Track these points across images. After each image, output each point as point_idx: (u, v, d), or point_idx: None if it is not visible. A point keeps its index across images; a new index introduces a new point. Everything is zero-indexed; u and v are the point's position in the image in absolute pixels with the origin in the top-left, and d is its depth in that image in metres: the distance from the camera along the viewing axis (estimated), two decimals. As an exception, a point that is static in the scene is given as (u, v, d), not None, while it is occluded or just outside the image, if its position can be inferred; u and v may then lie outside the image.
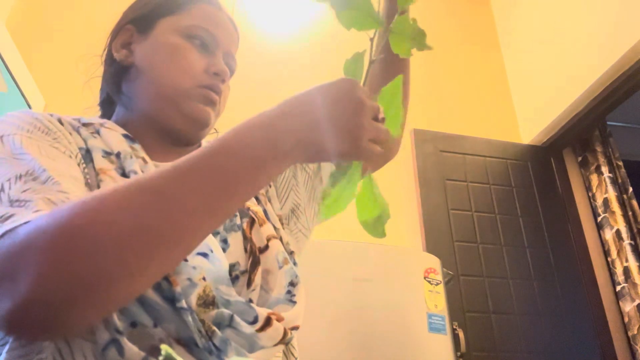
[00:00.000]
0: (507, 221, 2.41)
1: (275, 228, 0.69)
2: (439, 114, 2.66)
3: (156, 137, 0.69)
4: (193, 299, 0.51)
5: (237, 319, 0.52)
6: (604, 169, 2.57)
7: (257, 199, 0.73)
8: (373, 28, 0.57)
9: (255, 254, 0.62)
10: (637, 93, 2.32)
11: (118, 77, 0.73)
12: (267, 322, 0.55)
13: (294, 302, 0.61)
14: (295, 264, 0.67)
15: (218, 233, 0.61)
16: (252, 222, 0.66)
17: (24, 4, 2.29)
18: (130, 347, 0.46)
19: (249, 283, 0.59)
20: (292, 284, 0.63)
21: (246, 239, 0.63)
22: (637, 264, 2.35)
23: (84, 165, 0.56)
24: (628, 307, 2.31)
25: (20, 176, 0.48)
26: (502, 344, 2.13)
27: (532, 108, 2.74)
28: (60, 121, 0.60)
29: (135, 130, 0.68)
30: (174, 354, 0.32)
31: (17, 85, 1.76)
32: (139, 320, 0.49)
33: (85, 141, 0.59)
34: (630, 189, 2.60)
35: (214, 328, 0.50)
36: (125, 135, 0.64)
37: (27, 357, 0.46)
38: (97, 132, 0.62)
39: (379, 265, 1.72)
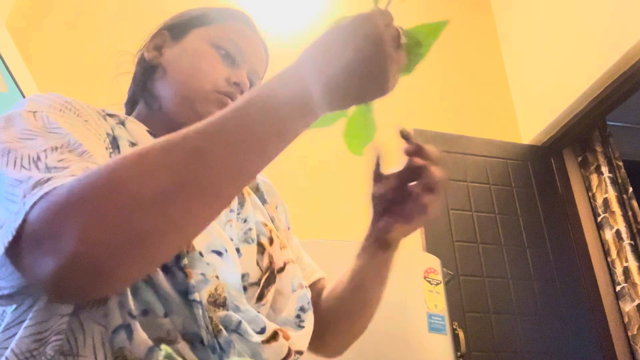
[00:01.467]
0: (507, 221, 2.41)
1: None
2: (439, 114, 2.66)
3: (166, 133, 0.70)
4: (204, 295, 0.51)
5: (244, 325, 0.52)
6: (604, 169, 2.57)
7: (273, 222, 0.74)
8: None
9: (273, 271, 0.63)
10: (637, 93, 2.32)
11: (145, 75, 0.76)
12: (274, 335, 0.55)
13: (302, 327, 0.62)
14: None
15: (232, 240, 0.61)
16: (271, 241, 0.67)
17: (24, 4, 2.29)
18: (140, 333, 0.47)
19: (260, 297, 0.60)
20: (303, 309, 0.63)
21: (262, 253, 0.64)
22: (637, 264, 2.35)
23: (111, 150, 0.57)
24: (628, 307, 2.31)
25: (56, 148, 0.49)
26: (502, 344, 2.13)
27: (532, 108, 2.74)
28: (88, 107, 0.61)
29: (154, 128, 0.68)
30: (174, 354, 0.32)
31: (17, 85, 1.76)
32: (151, 308, 0.49)
33: (112, 129, 0.60)
34: (630, 189, 2.60)
35: (221, 327, 0.51)
36: (148, 132, 0.65)
37: (43, 334, 0.46)
38: (122, 124, 0.63)
39: (379, 265, 1.71)
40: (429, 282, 1.74)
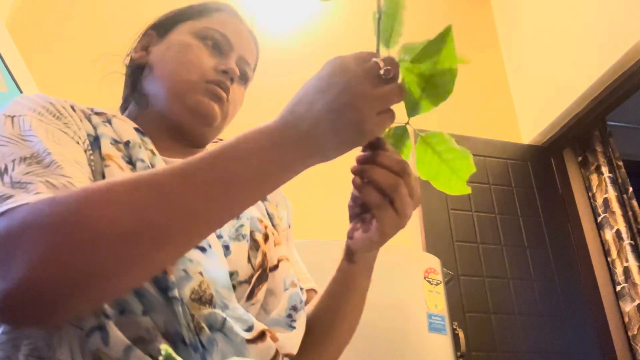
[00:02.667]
0: (507, 221, 2.41)
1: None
2: (439, 114, 2.65)
3: (164, 135, 0.69)
4: (186, 292, 0.50)
5: (230, 323, 0.51)
6: (604, 169, 2.57)
7: (271, 220, 0.72)
8: None
9: (265, 269, 0.61)
10: (637, 93, 2.32)
11: (134, 76, 0.75)
12: (261, 335, 0.53)
13: (293, 327, 0.59)
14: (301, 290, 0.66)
15: (221, 237, 0.60)
16: (266, 238, 0.65)
17: (24, 4, 2.29)
18: (116, 334, 0.46)
19: (250, 296, 0.58)
20: (295, 308, 0.61)
21: (255, 249, 0.62)
22: (637, 264, 2.35)
23: (91, 152, 0.56)
24: (628, 307, 2.30)
25: (25, 158, 0.48)
26: (502, 344, 2.13)
27: (532, 108, 2.74)
28: (72, 107, 0.61)
29: (144, 126, 0.68)
30: (174, 354, 0.32)
31: (17, 85, 1.76)
32: (129, 307, 0.48)
33: (95, 128, 0.60)
34: (630, 189, 2.59)
35: (203, 325, 0.49)
36: (135, 129, 0.64)
37: (16, 341, 0.46)
38: (109, 122, 0.63)
39: (379, 265, 1.71)
40: (429, 282, 1.74)
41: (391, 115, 0.48)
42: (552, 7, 2.65)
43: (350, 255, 0.60)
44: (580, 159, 2.72)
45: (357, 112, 0.45)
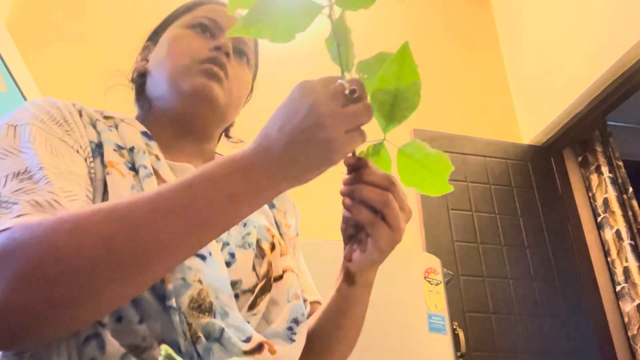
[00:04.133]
0: (507, 221, 2.41)
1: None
2: (439, 114, 2.66)
3: (171, 134, 0.69)
4: (185, 300, 0.50)
5: (227, 334, 0.51)
6: (604, 169, 2.57)
7: (278, 228, 0.71)
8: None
9: (270, 279, 0.60)
10: (637, 93, 2.32)
11: (138, 84, 0.76)
12: (259, 347, 0.52)
13: (293, 340, 0.58)
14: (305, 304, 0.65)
15: (228, 244, 0.60)
16: (273, 247, 0.64)
17: (24, 4, 2.29)
18: (112, 342, 0.46)
19: (252, 306, 0.57)
20: (296, 321, 0.60)
21: (261, 258, 0.62)
22: (637, 264, 2.35)
23: (92, 159, 0.56)
24: (628, 307, 2.30)
25: (18, 174, 0.49)
26: (502, 344, 2.13)
27: (532, 108, 2.74)
28: (80, 112, 0.61)
29: (151, 128, 0.67)
30: (174, 354, 0.32)
31: (17, 85, 1.76)
32: (125, 315, 0.48)
33: (99, 134, 0.60)
34: (630, 189, 2.60)
35: (200, 334, 0.49)
36: (143, 133, 0.64)
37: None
38: (116, 127, 0.63)
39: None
40: (429, 282, 1.74)
41: (361, 133, 0.48)
42: (553, 7, 2.65)
43: (350, 277, 0.59)
44: (580, 159, 2.72)
45: (326, 130, 0.45)
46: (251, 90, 0.82)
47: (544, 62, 2.67)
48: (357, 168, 0.52)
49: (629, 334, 2.28)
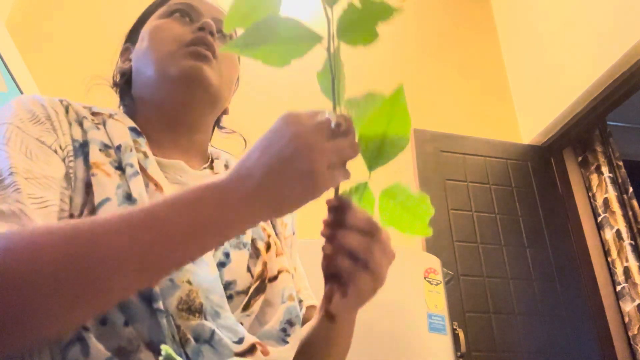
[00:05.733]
0: (507, 221, 2.41)
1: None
2: (439, 114, 2.66)
3: (161, 128, 0.67)
4: (173, 302, 0.49)
5: (218, 335, 0.49)
6: (604, 169, 2.57)
7: (274, 228, 0.70)
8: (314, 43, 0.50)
9: (264, 280, 0.59)
10: (637, 93, 2.32)
11: (123, 86, 0.74)
12: (251, 349, 0.51)
13: (286, 342, 0.57)
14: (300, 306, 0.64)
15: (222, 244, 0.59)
16: (268, 247, 0.63)
17: (24, 4, 2.29)
18: (96, 346, 0.45)
19: (246, 307, 0.56)
20: (290, 322, 0.59)
21: (255, 258, 0.60)
22: (637, 264, 2.35)
23: (72, 159, 0.55)
24: (628, 307, 2.30)
25: None
26: (502, 344, 2.13)
27: (532, 108, 2.74)
28: (67, 109, 0.60)
29: (140, 124, 0.66)
30: (174, 354, 0.32)
31: (17, 85, 1.76)
32: (110, 318, 0.47)
33: (85, 133, 0.58)
34: (630, 189, 2.60)
35: (189, 336, 0.48)
36: (132, 129, 0.63)
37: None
38: (103, 124, 0.61)
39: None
40: (429, 282, 1.74)
41: (344, 172, 0.46)
42: (553, 7, 2.65)
43: (330, 317, 0.54)
44: (580, 159, 2.72)
45: (307, 162, 0.43)
46: (237, 79, 0.79)
47: (544, 62, 2.67)
48: (339, 209, 0.49)
49: (629, 334, 2.28)
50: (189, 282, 0.51)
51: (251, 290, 0.57)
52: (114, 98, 0.78)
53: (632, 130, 3.37)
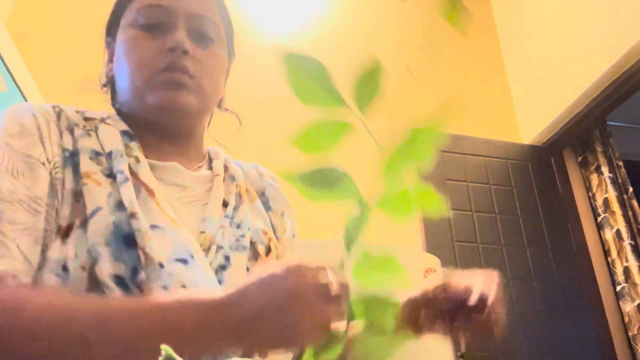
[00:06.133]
0: (507, 221, 2.41)
1: None
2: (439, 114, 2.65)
3: (152, 134, 0.67)
4: None
5: None
6: (604, 169, 2.57)
7: (274, 232, 0.70)
8: (333, 105, 0.48)
9: None
10: (637, 93, 2.32)
11: (112, 92, 0.73)
12: None
13: None
14: None
15: (222, 247, 0.58)
16: (268, 251, 0.63)
17: (24, 4, 2.29)
18: None
19: None
20: None
21: (255, 260, 0.60)
22: (637, 264, 2.35)
23: (58, 170, 0.56)
24: (628, 307, 2.30)
25: None
26: (502, 344, 2.13)
27: (532, 108, 2.74)
28: (59, 116, 0.60)
29: (133, 127, 0.66)
30: (174, 354, 0.32)
31: (17, 85, 1.76)
32: None
33: (76, 141, 0.59)
34: (630, 189, 2.59)
35: None
36: (124, 132, 0.63)
37: None
38: (95, 129, 0.61)
39: (379, 265, 1.71)
40: (429, 282, 1.74)
41: (326, 336, 0.46)
42: (553, 7, 2.65)
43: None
44: (580, 159, 2.72)
45: (296, 319, 0.44)
46: (226, 74, 0.76)
47: (544, 62, 2.67)
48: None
49: (629, 334, 2.28)
50: (184, 287, 0.51)
51: None
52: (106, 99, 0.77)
53: (632, 130, 3.37)
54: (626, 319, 2.31)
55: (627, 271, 2.35)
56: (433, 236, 2.25)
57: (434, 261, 1.81)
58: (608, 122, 2.78)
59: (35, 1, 2.33)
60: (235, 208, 0.65)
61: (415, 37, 2.88)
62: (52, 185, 0.54)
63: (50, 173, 0.55)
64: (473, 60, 2.94)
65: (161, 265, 0.51)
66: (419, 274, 1.74)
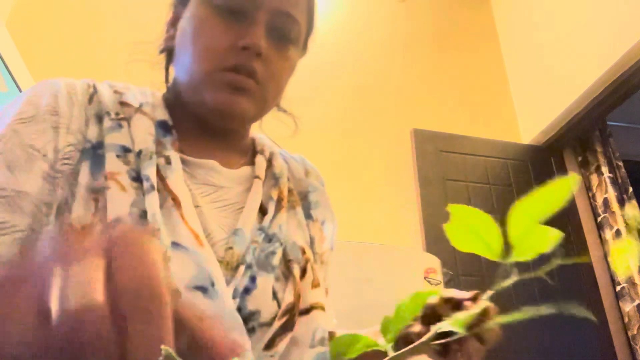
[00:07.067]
0: (507, 221, 2.41)
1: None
2: (439, 114, 2.66)
3: (191, 125, 0.60)
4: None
5: None
6: (604, 169, 2.57)
7: (312, 246, 0.62)
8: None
9: (294, 315, 0.51)
10: (637, 93, 2.32)
11: (167, 62, 0.66)
12: None
13: None
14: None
15: (250, 267, 0.52)
16: (303, 273, 0.55)
17: (24, 4, 2.29)
18: None
19: (270, 345, 0.49)
20: None
21: (284, 281, 0.53)
22: (638, 263, 2.35)
23: (68, 162, 0.50)
24: (628, 307, 2.31)
25: None
26: (502, 344, 2.13)
27: (532, 108, 2.74)
28: (92, 98, 0.55)
29: (176, 113, 0.60)
30: (174, 354, 0.31)
31: (17, 85, 1.76)
32: None
33: (103, 134, 0.53)
34: (630, 189, 2.60)
35: None
36: (160, 124, 0.56)
37: None
38: (128, 120, 0.55)
39: (379, 265, 1.72)
40: (429, 282, 1.74)
41: None
42: (553, 7, 2.65)
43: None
44: (580, 159, 2.72)
45: None
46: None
47: (544, 62, 2.67)
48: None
49: (629, 334, 2.28)
50: (200, 319, 0.46)
51: (277, 325, 0.50)
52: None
53: (632, 130, 3.37)
54: (626, 319, 2.31)
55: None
56: (433, 236, 2.25)
57: (434, 261, 1.81)
58: (608, 122, 2.78)
59: (35, 1, 2.33)
60: (273, 218, 0.58)
61: (415, 36, 2.88)
62: (50, 179, 0.49)
63: (52, 166, 0.49)
64: (473, 60, 2.94)
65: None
66: (419, 274, 1.74)
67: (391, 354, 0.35)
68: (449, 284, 1.85)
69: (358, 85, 2.55)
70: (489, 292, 0.42)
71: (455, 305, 0.53)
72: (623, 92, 2.31)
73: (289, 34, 0.59)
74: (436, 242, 2.23)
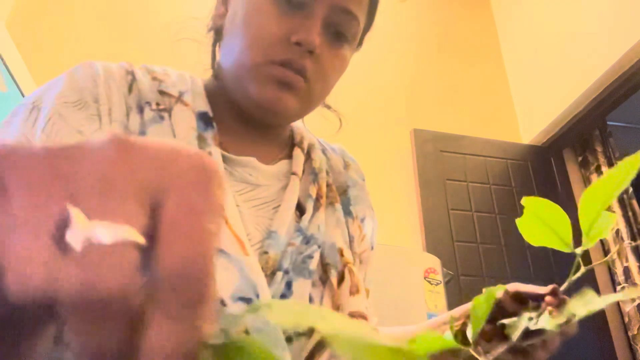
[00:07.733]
0: (507, 221, 2.41)
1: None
2: (439, 114, 2.66)
3: (233, 117, 0.58)
4: None
5: None
6: (604, 169, 2.57)
7: (351, 246, 0.59)
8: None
9: None
10: (637, 93, 2.32)
11: (215, 39, 0.62)
12: None
13: None
14: None
15: (287, 273, 0.49)
16: (341, 279, 0.52)
17: (24, 4, 2.29)
18: None
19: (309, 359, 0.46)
20: None
21: (321, 286, 0.50)
22: (637, 264, 2.35)
23: None
24: (628, 307, 2.30)
25: None
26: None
27: (532, 108, 2.74)
28: (132, 87, 0.52)
29: (218, 103, 0.57)
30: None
31: (17, 85, 1.76)
32: None
33: (145, 125, 0.50)
34: (630, 189, 2.60)
35: None
36: (201, 116, 0.54)
37: None
38: (169, 111, 0.53)
39: (379, 265, 1.72)
40: (429, 282, 1.74)
41: None
42: (552, 7, 2.65)
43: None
44: (580, 159, 2.72)
45: None
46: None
47: (544, 62, 2.67)
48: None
49: (629, 334, 2.28)
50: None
51: (316, 341, 0.48)
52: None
53: (632, 130, 3.37)
54: (626, 319, 2.31)
55: (627, 271, 2.35)
56: (433, 236, 2.25)
57: (434, 261, 1.81)
58: (608, 122, 2.78)
59: (35, 1, 2.33)
60: (311, 217, 0.55)
61: (415, 36, 2.88)
62: None
63: None
64: (473, 60, 2.94)
65: (223, 303, 0.43)
66: (419, 274, 1.74)
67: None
68: (449, 284, 1.85)
69: (358, 85, 2.55)
70: (564, 286, 0.41)
71: (523, 301, 0.51)
72: (623, 92, 2.31)
73: (346, 32, 0.55)
74: (436, 242, 2.23)
